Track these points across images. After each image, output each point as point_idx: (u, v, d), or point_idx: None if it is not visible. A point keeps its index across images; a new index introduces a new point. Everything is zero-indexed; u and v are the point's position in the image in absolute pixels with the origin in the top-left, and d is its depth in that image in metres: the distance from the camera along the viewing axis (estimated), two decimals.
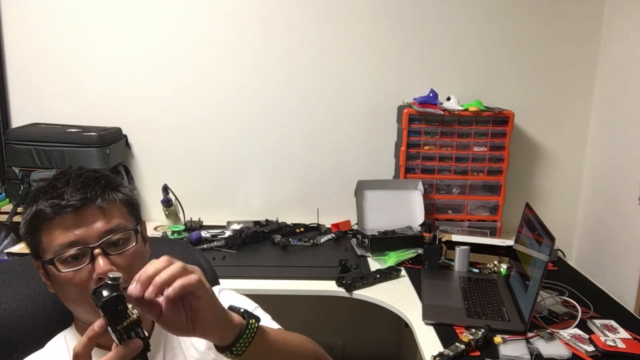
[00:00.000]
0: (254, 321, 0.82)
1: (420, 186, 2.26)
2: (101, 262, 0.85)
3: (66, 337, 0.98)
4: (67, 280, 0.86)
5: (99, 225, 0.87)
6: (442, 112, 2.22)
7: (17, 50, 2.28)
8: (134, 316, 0.71)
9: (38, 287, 1.06)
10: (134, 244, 0.91)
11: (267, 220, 2.37)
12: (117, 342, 0.70)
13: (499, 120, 2.24)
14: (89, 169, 0.94)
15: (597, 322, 1.60)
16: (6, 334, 0.99)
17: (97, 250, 0.86)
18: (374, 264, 2.01)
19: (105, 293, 0.70)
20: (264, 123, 2.40)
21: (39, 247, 0.89)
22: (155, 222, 2.40)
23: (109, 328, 0.70)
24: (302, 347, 0.96)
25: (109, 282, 0.71)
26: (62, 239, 0.86)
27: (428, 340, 1.49)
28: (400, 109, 2.28)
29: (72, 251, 0.86)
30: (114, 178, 0.96)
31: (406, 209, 2.27)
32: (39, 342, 0.97)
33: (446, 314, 1.63)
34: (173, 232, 2.22)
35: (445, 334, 1.52)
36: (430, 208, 2.30)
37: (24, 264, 1.13)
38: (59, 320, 1.03)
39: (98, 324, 0.71)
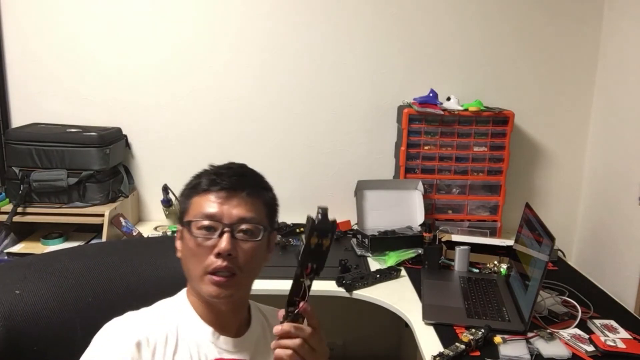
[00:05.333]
0: None
1: (420, 186, 2.26)
2: (225, 241, 0.96)
3: (166, 305, 1.04)
4: (194, 244, 0.98)
5: (238, 211, 0.99)
6: (442, 112, 2.22)
7: (17, 50, 2.28)
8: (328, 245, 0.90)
9: (59, 282, 1.07)
10: (259, 239, 1.00)
11: None
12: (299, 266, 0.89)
13: (499, 120, 2.24)
14: (251, 169, 1.08)
15: (597, 322, 1.60)
16: (27, 328, 1.00)
17: (226, 229, 0.97)
18: (374, 264, 2.01)
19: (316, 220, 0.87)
20: (264, 123, 2.40)
21: (186, 211, 1.03)
22: (155, 222, 2.40)
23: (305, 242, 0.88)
24: None
25: (320, 213, 0.88)
26: (204, 209, 0.98)
27: (428, 340, 1.49)
28: (400, 109, 2.28)
29: (207, 222, 0.97)
30: (266, 182, 1.09)
31: (406, 209, 2.27)
32: (59, 337, 0.97)
33: (446, 314, 1.63)
34: (173, 232, 2.22)
35: (445, 334, 1.52)
36: (430, 208, 2.30)
37: (45, 259, 1.14)
38: (79, 315, 1.04)
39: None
